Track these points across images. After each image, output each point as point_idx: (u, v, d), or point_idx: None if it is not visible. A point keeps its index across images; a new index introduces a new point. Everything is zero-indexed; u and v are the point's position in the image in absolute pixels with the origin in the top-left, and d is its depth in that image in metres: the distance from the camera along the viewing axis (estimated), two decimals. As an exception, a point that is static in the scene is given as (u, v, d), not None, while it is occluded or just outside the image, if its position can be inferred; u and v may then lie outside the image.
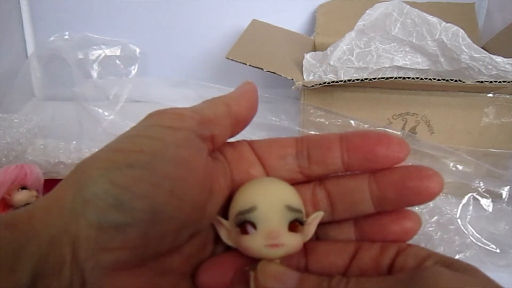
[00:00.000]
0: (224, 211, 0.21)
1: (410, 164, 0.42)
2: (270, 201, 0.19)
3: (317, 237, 0.22)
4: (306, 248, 0.21)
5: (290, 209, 0.19)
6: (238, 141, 0.23)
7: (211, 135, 0.20)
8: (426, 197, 0.19)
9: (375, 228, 0.21)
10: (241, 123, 0.22)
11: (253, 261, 0.19)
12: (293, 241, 0.19)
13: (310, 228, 0.20)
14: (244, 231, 0.19)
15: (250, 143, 0.22)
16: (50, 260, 0.16)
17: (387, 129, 0.47)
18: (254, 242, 0.19)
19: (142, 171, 0.17)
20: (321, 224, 0.21)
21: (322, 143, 0.21)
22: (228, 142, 0.22)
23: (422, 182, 0.19)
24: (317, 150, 0.21)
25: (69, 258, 0.16)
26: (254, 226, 0.19)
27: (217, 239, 0.21)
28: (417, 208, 0.41)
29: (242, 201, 0.20)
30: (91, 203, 0.17)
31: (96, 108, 0.57)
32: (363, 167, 0.20)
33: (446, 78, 0.40)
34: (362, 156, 0.20)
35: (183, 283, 0.20)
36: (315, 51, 0.57)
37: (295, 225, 0.19)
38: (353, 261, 0.20)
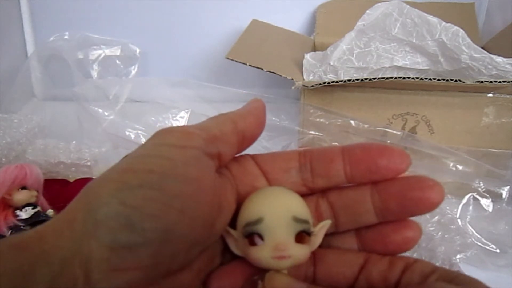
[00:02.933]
0: (232, 221, 0.21)
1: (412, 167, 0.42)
2: (277, 213, 0.19)
3: (319, 246, 0.22)
4: (315, 256, 0.21)
5: (297, 220, 0.19)
6: (241, 156, 0.23)
7: (218, 152, 0.20)
8: (428, 207, 0.20)
9: (377, 237, 0.21)
10: (247, 140, 0.22)
11: (262, 269, 0.20)
12: (300, 253, 0.19)
13: (317, 238, 0.20)
14: (252, 242, 0.19)
15: (254, 157, 0.22)
16: (62, 281, 0.16)
17: (387, 129, 0.47)
18: (262, 254, 0.19)
19: (152, 191, 0.17)
20: (324, 235, 0.21)
21: (324, 156, 0.21)
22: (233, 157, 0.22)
23: (423, 192, 0.19)
24: (320, 163, 0.21)
25: (81, 280, 0.16)
26: (261, 237, 0.19)
27: (225, 248, 0.22)
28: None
29: (249, 212, 0.20)
30: (102, 224, 0.17)
31: (96, 108, 0.57)
32: (365, 179, 0.21)
33: (446, 78, 0.40)
34: (365, 168, 0.20)
35: None
36: (315, 51, 0.57)
37: (302, 236, 0.19)
38: (362, 274, 0.20)
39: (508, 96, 0.44)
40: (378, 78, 0.41)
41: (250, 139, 0.22)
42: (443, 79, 0.40)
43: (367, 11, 0.48)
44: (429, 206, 0.19)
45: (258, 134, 0.22)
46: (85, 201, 0.18)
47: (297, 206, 0.20)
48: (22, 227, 0.37)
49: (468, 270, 0.38)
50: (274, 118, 0.52)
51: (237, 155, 0.22)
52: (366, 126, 0.46)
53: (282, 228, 0.19)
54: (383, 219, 0.21)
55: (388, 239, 0.21)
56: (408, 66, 0.49)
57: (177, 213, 0.17)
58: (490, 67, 0.44)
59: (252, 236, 0.19)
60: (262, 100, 0.23)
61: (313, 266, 0.21)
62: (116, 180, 0.18)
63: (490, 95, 0.44)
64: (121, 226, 0.17)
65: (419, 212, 0.20)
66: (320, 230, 0.20)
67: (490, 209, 0.44)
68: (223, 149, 0.20)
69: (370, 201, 0.20)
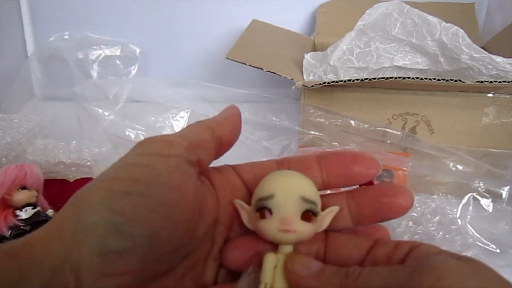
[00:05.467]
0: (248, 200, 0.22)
1: (410, 163, 0.42)
2: (287, 191, 0.21)
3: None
4: (327, 237, 0.22)
5: (305, 200, 0.21)
6: (222, 166, 0.24)
7: (198, 159, 0.21)
8: (398, 212, 0.21)
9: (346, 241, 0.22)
10: (224, 146, 0.23)
11: (270, 243, 0.21)
12: (304, 229, 0.20)
13: (325, 220, 0.22)
14: (262, 216, 0.21)
15: (234, 167, 0.24)
16: (53, 287, 0.17)
17: (387, 129, 0.47)
18: (269, 226, 0.20)
19: (139, 198, 0.18)
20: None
21: (302, 164, 0.23)
22: (213, 167, 0.24)
23: (395, 198, 0.21)
24: (297, 170, 0.22)
25: (72, 285, 0.17)
26: (271, 212, 0.21)
27: (238, 225, 0.23)
28: (419, 208, 0.41)
29: (262, 189, 0.21)
30: (92, 231, 0.17)
31: (96, 108, 0.57)
32: (341, 184, 0.23)
33: (446, 78, 0.40)
34: (340, 174, 0.22)
35: None
36: (315, 51, 0.57)
37: (308, 215, 0.21)
38: (368, 256, 0.21)
39: (508, 96, 0.44)
40: (378, 78, 0.41)
41: (226, 145, 0.23)
42: (443, 79, 0.40)
43: (367, 11, 0.48)
44: (400, 211, 0.21)
45: (235, 140, 0.23)
46: (74, 209, 0.18)
47: (307, 188, 0.21)
48: (22, 227, 0.37)
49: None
50: (274, 118, 0.52)
51: (218, 165, 0.24)
52: (366, 126, 0.46)
53: (290, 204, 0.20)
54: (358, 223, 0.22)
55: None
56: (408, 66, 0.49)
57: (162, 219, 0.18)
58: (490, 67, 0.44)
59: (263, 210, 0.21)
60: (237, 107, 0.24)
61: (324, 247, 0.22)
62: (104, 188, 0.19)
63: (490, 95, 0.44)
64: (110, 232, 0.17)
65: (391, 216, 0.22)
66: (328, 213, 0.22)
67: (490, 209, 0.44)
68: (202, 156, 0.22)
69: (346, 206, 0.22)
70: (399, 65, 0.49)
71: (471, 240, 0.40)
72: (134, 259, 0.18)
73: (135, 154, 0.20)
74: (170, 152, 0.20)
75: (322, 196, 0.23)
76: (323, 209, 0.22)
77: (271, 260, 0.20)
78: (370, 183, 0.24)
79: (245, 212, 0.22)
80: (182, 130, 0.22)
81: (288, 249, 0.21)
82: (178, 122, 0.56)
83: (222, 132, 0.23)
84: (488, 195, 0.44)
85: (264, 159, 0.48)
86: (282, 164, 0.23)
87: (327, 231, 0.22)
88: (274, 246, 0.21)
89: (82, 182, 0.45)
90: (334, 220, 0.22)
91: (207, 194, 0.22)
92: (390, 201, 0.21)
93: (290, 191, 0.21)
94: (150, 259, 0.18)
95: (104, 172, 0.20)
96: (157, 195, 0.19)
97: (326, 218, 0.22)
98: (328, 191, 0.23)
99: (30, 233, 0.18)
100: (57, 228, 0.18)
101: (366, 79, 0.42)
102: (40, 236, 0.18)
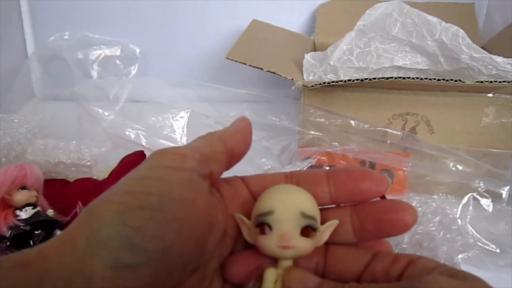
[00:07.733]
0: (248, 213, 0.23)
1: (410, 163, 0.42)
2: (287, 207, 0.21)
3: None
4: (327, 250, 0.22)
5: (304, 215, 0.21)
6: (231, 178, 0.24)
7: (210, 172, 0.22)
8: (401, 229, 0.21)
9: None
10: (235, 158, 0.23)
11: (270, 258, 0.21)
12: (303, 245, 0.21)
13: (324, 234, 0.22)
14: (262, 232, 0.21)
15: (243, 179, 0.24)
16: None
17: (387, 129, 0.47)
18: (269, 242, 0.21)
19: (152, 212, 0.18)
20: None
21: (310, 179, 0.23)
22: (223, 178, 0.24)
23: (398, 215, 0.21)
24: (306, 185, 0.23)
25: None
26: (270, 228, 0.21)
27: (239, 238, 0.23)
28: (419, 208, 0.41)
29: (262, 204, 0.21)
30: (105, 245, 0.18)
31: (96, 108, 0.57)
32: (348, 200, 0.23)
33: (446, 78, 0.40)
34: (348, 190, 0.22)
35: None
36: (315, 51, 0.57)
37: (307, 231, 0.21)
38: (367, 269, 0.21)
39: (508, 96, 0.44)
40: (378, 78, 0.41)
41: (237, 157, 0.23)
42: (443, 79, 0.40)
43: (367, 11, 0.48)
44: (403, 228, 0.21)
45: (245, 151, 0.24)
46: (87, 222, 0.18)
47: (306, 203, 0.21)
48: (22, 227, 0.37)
49: (469, 270, 0.38)
50: (274, 118, 0.52)
51: (227, 177, 0.24)
52: (366, 126, 0.46)
53: (289, 221, 0.21)
54: (361, 239, 0.22)
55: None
56: (408, 66, 0.49)
57: (174, 234, 0.19)
58: (490, 67, 0.44)
59: (262, 226, 0.21)
60: (248, 119, 0.24)
61: (324, 260, 0.22)
62: (117, 202, 0.19)
63: (490, 95, 0.44)
64: (123, 246, 0.18)
65: (394, 233, 0.21)
66: (327, 228, 0.22)
67: (490, 209, 0.44)
68: (214, 168, 0.22)
69: (350, 222, 0.22)
70: (399, 65, 0.49)
71: (472, 240, 0.40)
72: (145, 273, 0.18)
73: (147, 166, 0.20)
74: (182, 165, 0.20)
75: (325, 209, 0.23)
76: (324, 222, 0.22)
77: (271, 276, 0.21)
78: (383, 197, 0.24)
79: (245, 227, 0.22)
80: (194, 141, 0.22)
81: (287, 263, 0.21)
82: (178, 122, 0.56)
83: (233, 144, 0.23)
84: (488, 195, 0.44)
85: (264, 159, 0.48)
86: (291, 178, 0.23)
87: (327, 243, 0.22)
88: (275, 260, 0.21)
89: (82, 182, 0.45)
90: (337, 234, 0.22)
91: (217, 208, 0.22)
92: (393, 218, 0.21)
93: (289, 207, 0.21)
94: (161, 274, 0.18)
95: (118, 184, 0.20)
96: (170, 210, 0.19)
97: (325, 232, 0.22)
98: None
99: (42, 243, 0.18)
100: (70, 240, 0.18)
101: (366, 79, 0.42)
102: (53, 246, 0.18)
